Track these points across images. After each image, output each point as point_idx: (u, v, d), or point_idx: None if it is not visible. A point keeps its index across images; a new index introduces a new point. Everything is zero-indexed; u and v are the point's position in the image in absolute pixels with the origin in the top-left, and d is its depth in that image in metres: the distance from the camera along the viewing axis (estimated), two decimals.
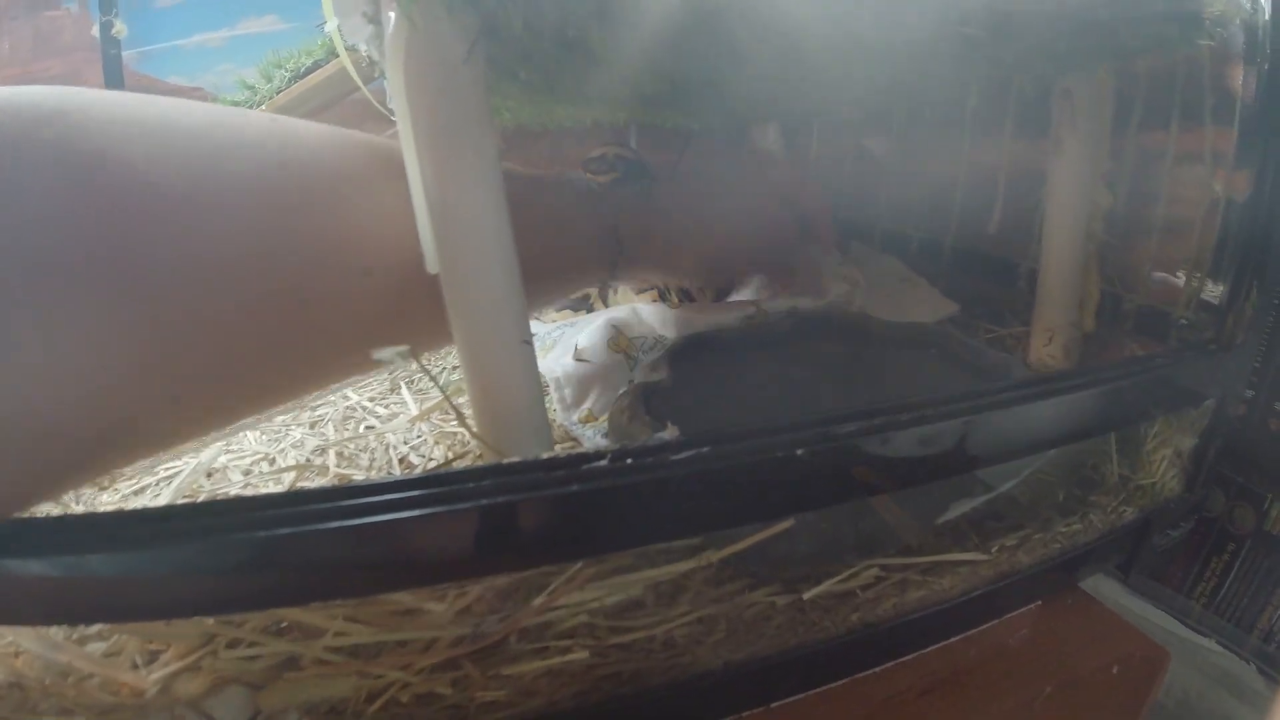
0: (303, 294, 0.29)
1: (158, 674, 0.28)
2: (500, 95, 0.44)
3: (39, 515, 0.31)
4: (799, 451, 0.25)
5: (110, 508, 0.40)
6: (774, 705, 0.34)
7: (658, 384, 0.44)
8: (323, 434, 0.45)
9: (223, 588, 0.23)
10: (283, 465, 0.42)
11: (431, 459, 0.41)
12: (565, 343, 0.51)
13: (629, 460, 0.23)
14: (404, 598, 0.27)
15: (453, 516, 0.22)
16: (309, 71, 0.58)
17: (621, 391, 0.42)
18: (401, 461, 0.42)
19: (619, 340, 0.50)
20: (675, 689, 0.30)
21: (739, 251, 0.57)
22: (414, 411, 0.46)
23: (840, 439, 0.26)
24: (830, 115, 0.77)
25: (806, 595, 0.32)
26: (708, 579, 0.30)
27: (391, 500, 0.22)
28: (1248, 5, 0.42)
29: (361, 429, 0.46)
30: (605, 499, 0.23)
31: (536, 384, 0.29)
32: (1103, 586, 0.49)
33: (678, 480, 0.24)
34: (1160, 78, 0.50)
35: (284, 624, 0.29)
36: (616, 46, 0.27)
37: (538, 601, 0.26)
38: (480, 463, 0.29)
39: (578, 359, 0.48)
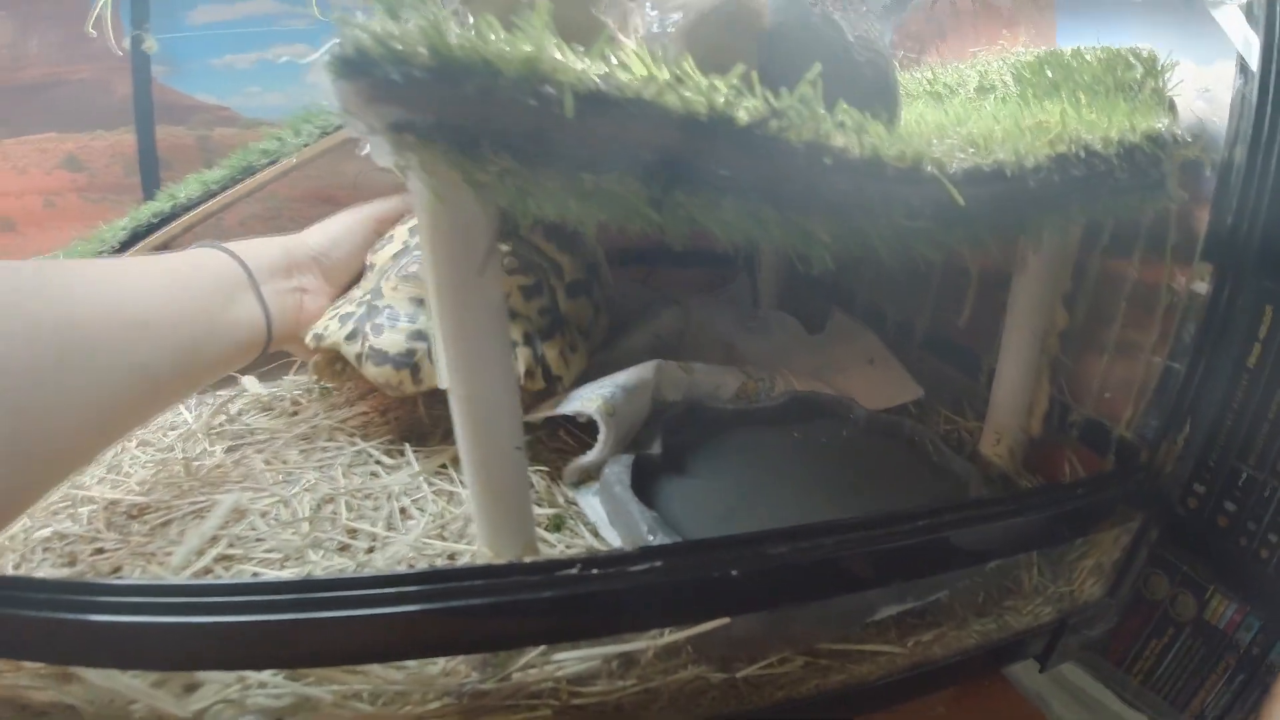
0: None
1: (195, 705, 0.35)
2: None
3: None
4: (733, 572, 0.32)
5: (141, 537, 0.48)
6: None
7: (651, 455, 0.51)
8: (332, 477, 0.53)
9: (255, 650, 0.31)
10: (299, 512, 0.49)
11: (427, 512, 0.49)
12: (581, 394, 0.57)
13: (594, 570, 0.30)
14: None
15: (444, 613, 0.29)
16: (336, 129, 0.65)
17: (616, 461, 0.49)
18: (402, 512, 0.49)
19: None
20: None
21: None
22: (416, 467, 0.53)
23: (771, 561, 0.33)
24: None
25: (739, 674, 0.39)
26: (657, 653, 0.38)
27: (401, 593, 0.29)
28: (1225, 151, 0.47)
29: (358, 481, 0.53)
30: (573, 600, 0.30)
31: (525, 480, 0.37)
32: None
33: (633, 587, 0.31)
34: None
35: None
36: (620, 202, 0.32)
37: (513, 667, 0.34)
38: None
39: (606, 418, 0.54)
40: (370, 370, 0.54)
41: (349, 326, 0.56)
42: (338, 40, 0.24)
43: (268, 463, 0.55)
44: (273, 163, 0.66)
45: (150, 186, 0.99)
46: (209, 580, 0.42)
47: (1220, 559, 0.60)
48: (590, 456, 0.52)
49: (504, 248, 0.59)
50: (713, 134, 0.26)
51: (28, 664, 0.36)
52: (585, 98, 0.24)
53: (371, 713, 0.35)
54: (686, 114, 0.26)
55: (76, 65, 1.01)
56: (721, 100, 0.26)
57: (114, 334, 0.40)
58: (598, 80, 0.24)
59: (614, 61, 0.26)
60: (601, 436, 0.52)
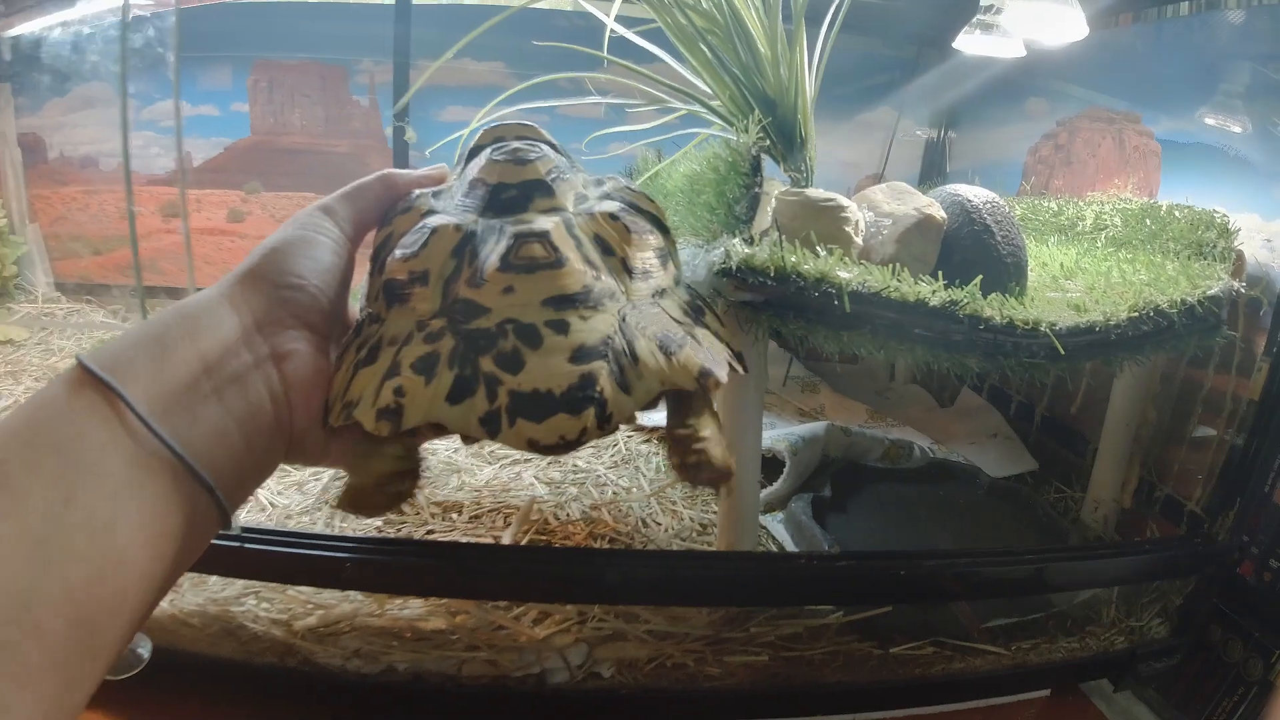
0: None
1: (544, 632, 0.56)
2: None
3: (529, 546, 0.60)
4: (901, 572, 0.52)
5: (465, 524, 0.70)
6: (859, 714, 0.60)
7: (824, 496, 0.71)
8: (588, 491, 0.74)
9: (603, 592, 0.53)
10: (572, 515, 0.71)
11: (659, 523, 0.70)
12: (771, 434, 0.77)
13: (815, 561, 0.51)
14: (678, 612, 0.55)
15: (718, 579, 0.50)
16: None
17: (799, 498, 0.70)
18: (644, 523, 0.70)
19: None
20: (809, 691, 0.57)
21: None
22: (648, 490, 0.74)
23: (925, 569, 0.53)
24: None
25: (892, 651, 0.58)
26: (840, 629, 0.57)
27: (693, 563, 0.51)
28: None
29: (610, 494, 0.74)
30: (801, 579, 0.51)
31: (758, 507, 0.57)
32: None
33: (836, 574, 0.51)
34: None
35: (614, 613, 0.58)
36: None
37: (750, 623, 0.54)
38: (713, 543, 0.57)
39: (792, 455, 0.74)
40: (526, 430, 0.33)
41: (446, 377, 0.34)
42: (723, 252, 0.46)
43: (537, 478, 0.77)
44: None
45: None
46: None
47: None
48: (776, 486, 0.72)
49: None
50: (915, 310, 0.47)
51: (415, 601, 0.58)
52: (850, 293, 0.45)
53: (652, 643, 0.56)
54: (902, 300, 0.47)
55: (336, 140, 1.28)
56: (922, 292, 0.47)
57: None
58: (857, 284, 0.45)
59: (861, 270, 0.47)
60: (787, 470, 0.73)
